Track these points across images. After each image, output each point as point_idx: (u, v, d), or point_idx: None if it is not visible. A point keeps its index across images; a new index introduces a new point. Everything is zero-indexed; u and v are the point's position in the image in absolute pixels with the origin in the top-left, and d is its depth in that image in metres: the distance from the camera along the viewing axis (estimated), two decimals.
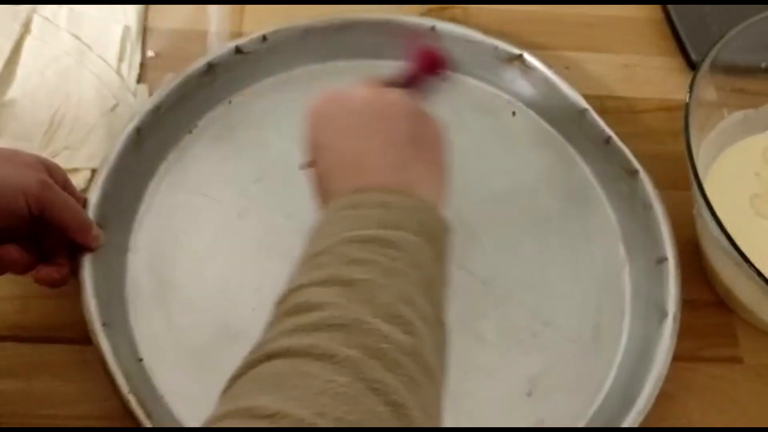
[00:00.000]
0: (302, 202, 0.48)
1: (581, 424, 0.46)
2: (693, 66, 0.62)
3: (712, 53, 0.50)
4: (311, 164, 0.41)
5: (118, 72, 0.56)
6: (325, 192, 0.38)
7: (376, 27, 0.57)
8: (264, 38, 0.55)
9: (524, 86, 0.58)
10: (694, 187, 0.47)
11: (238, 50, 0.55)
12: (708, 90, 0.52)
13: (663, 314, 0.48)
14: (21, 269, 0.42)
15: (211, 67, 0.54)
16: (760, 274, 0.42)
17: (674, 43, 0.64)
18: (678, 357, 0.48)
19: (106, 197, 0.48)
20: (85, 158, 0.52)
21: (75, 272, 0.44)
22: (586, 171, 0.56)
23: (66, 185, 0.44)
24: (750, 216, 0.53)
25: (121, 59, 0.57)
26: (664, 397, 0.47)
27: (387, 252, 0.32)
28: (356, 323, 0.29)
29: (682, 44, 0.63)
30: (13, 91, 0.54)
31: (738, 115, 0.56)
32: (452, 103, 0.57)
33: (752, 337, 0.50)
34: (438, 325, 0.33)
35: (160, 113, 0.52)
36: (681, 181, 0.50)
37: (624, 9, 0.66)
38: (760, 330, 0.51)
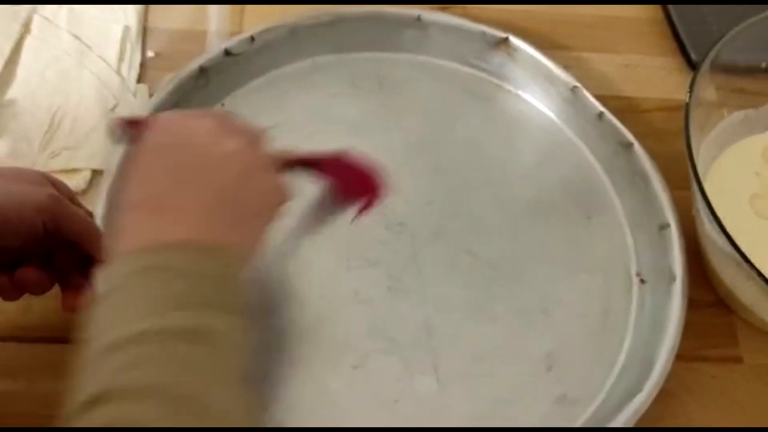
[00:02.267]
0: (304, 198, 0.49)
1: (602, 395, 0.46)
2: (693, 66, 0.62)
3: (712, 53, 0.50)
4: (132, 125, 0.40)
5: (118, 72, 0.56)
6: (123, 229, 0.35)
7: (363, 20, 0.57)
8: (252, 39, 0.55)
9: (513, 70, 0.58)
10: (694, 187, 0.47)
11: (227, 52, 0.54)
12: (708, 90, 0.52)
13: (671, 278, 0.48)
14: (39, 290, 0.42)
15: (203, 71, 0.54)
16: (760, 274, 0.42)
17: (674, 43, 0.64)
18: (678, 356, 0.48)
19: (111, 208, 0.47)
20: (85, 158, 0.52)
21: (89, 285, 0.44)
22: (581, 148, 0.56)
23: (72, 199, 0.43)
24: (750, 216, 0.53)
25: (121, 59, 0.57)
26: (664, 396, 0.47)
27: (194, 350, 0.30)
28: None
29: (682, 44, 0.63)
30: (13, 91, 0.54)
31: (738, 115, 0.56)
32: (444, 91, 0.58)
33: (752, 337, 0.51)
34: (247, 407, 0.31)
35: None
36: (681, 181, 0.50)
37: (624, 9, 0.66)
38: (760, 330, 0.51)
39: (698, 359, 0.49)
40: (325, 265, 0.49)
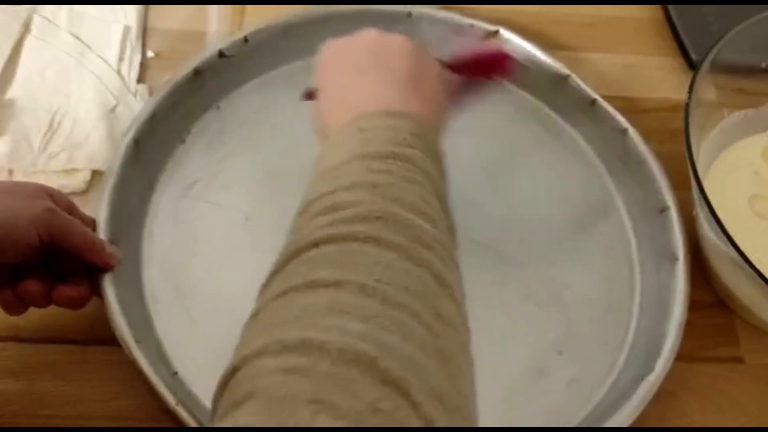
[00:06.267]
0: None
1: (612, 378, 0.47)
2: (693, 66, 0.62)
3: (712, 53, 0.50)
4: (311, 96, 0.43)
5: (118, 72, 0.56)
6: (327, 126, 0.40)
7: (354, 18, 0.57)
8: (245, 40, 0.55)
9: None
10: (694, 187, 0.47)
11: (221, 54, 0.54)
12: (708, 90, 0.52)
13: (673, 259, 0.49)
14: (44, 303, 0.42)
15: (198, 73, 0.53)
16: (760, 274, 0.42)
17: (674, 43, 0.64)
18: (678, 357, 0.48)
19: (113, 214, 0.47)
20: (85, 159, 0.52)
21: (97, 292, 0.44)
22: (575, 136, 0.57)
23: (71, 209, 0.43)
24: (749, 216, 0.53)
25: (121, 59, 0.57)
26: (664, 396, 0.48)
27: (403, 165, 0.34)
28: (391, 215, 0.31)
29: (682, 44, 0.63)
30: (13, 91, 0.54)
31: (738, 115, 0.56)
32: None
33: (752, 337, 0.51)
34: (451, 231, 0.35)
35: (155, 122, 0.51)
36: (681, 181, 0.50)
37: (624, 9, 0.66)
38: (761, 330, 0.51)
39: (699, 359, 0.49)
40: None
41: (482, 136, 0.56)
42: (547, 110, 0.58)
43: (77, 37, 0.57)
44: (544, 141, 0.57)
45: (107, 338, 0.46)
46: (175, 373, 0.44)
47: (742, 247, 0.43)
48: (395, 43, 0.42)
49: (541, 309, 0.49)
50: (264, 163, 0.53)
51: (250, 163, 0.53)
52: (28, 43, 0.57)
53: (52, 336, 0.46)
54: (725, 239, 0.43)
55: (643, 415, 0.47)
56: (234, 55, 0.55)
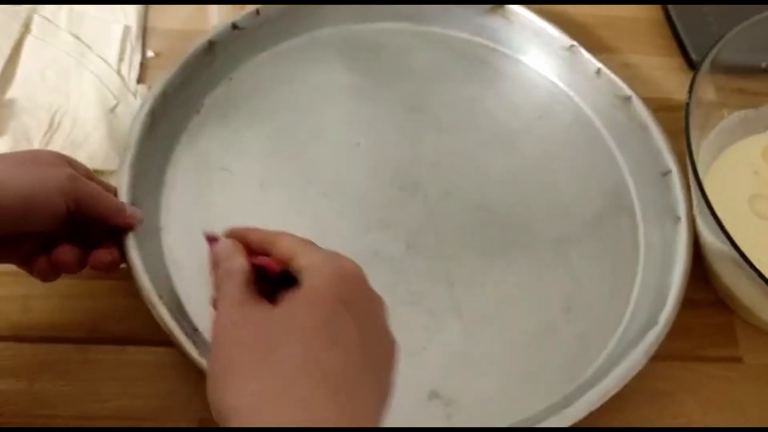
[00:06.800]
0: (319, 167, 0.53)
1: (617, 335, 0.48)
2: (693, 66, 0.62)
3: (712, 53, 0.51)
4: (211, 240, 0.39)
5: (118, 72, 0.56)
6: (229, 407, 0.30)
7: None
8: (257, 12, 0.56)
9: (509, 33, 0.60)
10: (694, 186, 0.47)
11: (234, 26, 0.55)
12: (708, 90, 0.52)
13: (676, 219, 0.50)
14: (76, 268, 0.42)
15: (211, 45, 0.55)
16: (760, 274, 0.42)
17: (674, 43, 0.64)
18: (677, 357, 0.49)
19: (133, 185, 0.48)
20: (85, 158, 0.52)
21: (121, 258, 0.45)
22: (580, 105, 0.58)
23: (90, 176, 0.44)
24: (749, 216, 0.53)
25: (121, 59, 0.57)
26: (663, 396, 0.48)
27: None
28: None
29: (682, 44, 0.63)
30: (13, 91, 0.54)
31: (738, 115, 0.56)
32: (441, 57, 0.60)
33: (752, 337, 0.51)
34: None
35: (167, 97, 0.52)
36: None
37: (624, 9, 0.66)
38: (760, 330, 0.51)
39: (698, 359, 0.49)
40: (343, 229, 0.51)
41: (486, 104, 0.58)
42: (551, 79, 0.59)
43: (77, 37, 0.58)
44: (549, 107, 0.58)
45: (108, 338, 0.46)
46: (196, 330, 0.45)
47: (742, 247, 0.43)
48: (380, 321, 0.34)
49: (549, 268, 0.51)
50: (276, 131, 0.55)
51: (263, 132, 0.55)
52: (28, 43, 0.57)
53: (52, 336, 0.46)
54: (725, 239, 0.43)
55: (643, 413, 0.47)
56: (246, 27, 0.56)
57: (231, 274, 0.35)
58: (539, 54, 0.59)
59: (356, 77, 0.58)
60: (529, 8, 0.59)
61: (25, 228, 0.39)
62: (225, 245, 0.38)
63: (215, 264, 0.38)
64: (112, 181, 0.48)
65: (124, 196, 0.47)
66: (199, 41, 0.54)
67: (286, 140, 0.55)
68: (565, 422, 0.43)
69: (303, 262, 0.35)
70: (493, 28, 0.60)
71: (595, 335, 0.48)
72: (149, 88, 0.56)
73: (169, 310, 0.43)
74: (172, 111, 0.53)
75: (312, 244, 0.37)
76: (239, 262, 0.36)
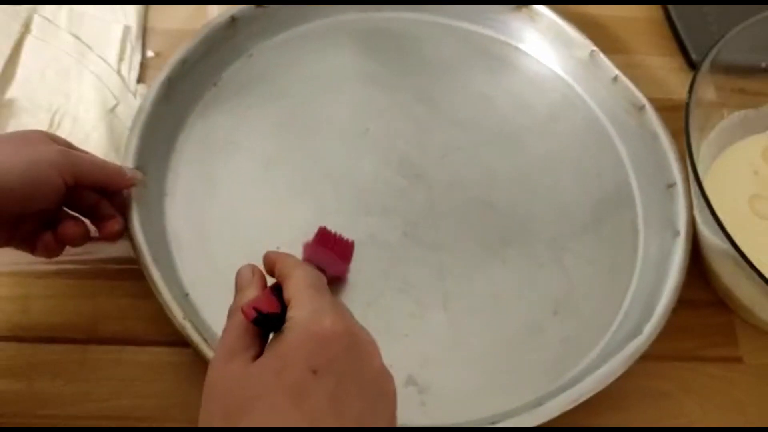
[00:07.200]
0: (326, 150, 0.54)
1: (603, 342, 0.48)
2: (693, 66, 0.62)
3: (712, 53, 0.51)
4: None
5: (118, 72, 0.56)
6: None
7: None
8: None
9: (532, 33, 0.60)
10: (694, 187, 0.47)
11: (258, 3, 0.57)
12: (708, 90, 0.52)
13: (675, 233, 0.50)
14: (81, 241, 0.43)
15: (234, 20, 0.56)
16: (760, 274, 0.42)
17: (674, 43, 0.64)
18: (677, 357, 0.49)
19: (142, 147, 0.49)
20: None
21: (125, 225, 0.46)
22: (593, 107, 0.58)
23: (73, 147, 0.44)
24: (749, 216, 0.53)
25: (121, 59, 0.57)
26: (663, 396, 0.48)
27: None
28: None
29: (682, 44, 0.63)
30: (13, 91, 0.54)
31: (738, 115, 0.56)
32: (461, 50, 0.60)
33: (752, 337, 0.51)
34: None
35: (186, 66, 0.53)
36: None
37: (624, 9, 0.66)
38: (760, 330, 0.51)
39: (698, 359, 0.49)
40: (343, 210, 0.51)
41: (500, 102, 0.58)
42: (567, 81, 0.59)
43: (77, 37, 0.58)
44: (562, 109, 0.58)
45: (107, 338, 0.46)
46: (187, 295, 0.46)
47: (742, 247, 0.43)
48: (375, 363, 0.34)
49: (543, 268, 0.51)
50: (288, 111, 0.56)
51: (276, 110, 0.56)
52: (28, 43, 0.57)
53: (52, 336, 0.46)
54: (725, 239, 0.43)
55: (643, 413, 0.47)
56: (270, 5, 0.57)
57: (235, 312, 0.36)
58: (559, 56, 0.60)
59: (373, 64, 0.58)
60: (551, 8, 0.59)
61: (27, 208, 0.40)
62: (245, 274, 0.39)
63: (236, 288, 0.39)
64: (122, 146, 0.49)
65: (131, 157, 0.48)
66: (222, 16, 0.55)
67: (297, 120, 0.55)
68: (534, 421, 0.42)
69: (293, 312, 0.34)
70: (516, 27, 0.60)
71: (581, 340, 0.48)
72: (149, 88, 0.56)
73: (162, 275, 0.44)
74: (190, 80, 0.54)
75: (316, 288, 0.36)
76: (246, 300, 0.36)
